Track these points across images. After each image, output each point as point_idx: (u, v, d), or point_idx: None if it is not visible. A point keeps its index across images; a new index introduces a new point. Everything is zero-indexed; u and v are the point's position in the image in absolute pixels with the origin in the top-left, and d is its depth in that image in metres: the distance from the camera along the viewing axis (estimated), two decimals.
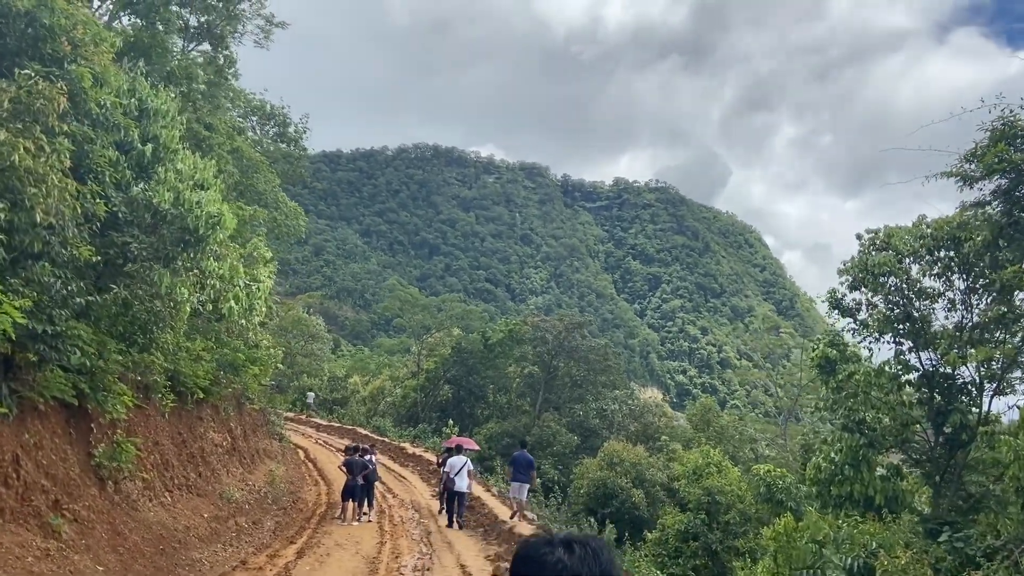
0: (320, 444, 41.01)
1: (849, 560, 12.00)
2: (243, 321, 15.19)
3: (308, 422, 51.39)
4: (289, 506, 21.94)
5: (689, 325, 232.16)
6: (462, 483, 18.95)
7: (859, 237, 17.75)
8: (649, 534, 25.29)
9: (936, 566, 12.36)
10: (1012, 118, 12.67)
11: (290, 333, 71.08)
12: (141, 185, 13.75)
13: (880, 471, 17.09)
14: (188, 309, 15.47)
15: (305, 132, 47.89)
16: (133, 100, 14.65)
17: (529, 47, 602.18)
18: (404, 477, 31.50)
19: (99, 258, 12.69)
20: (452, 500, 19.27)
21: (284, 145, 48.25)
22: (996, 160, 12.50)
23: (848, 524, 12.67)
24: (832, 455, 16.84)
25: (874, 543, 12.30)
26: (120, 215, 13.42)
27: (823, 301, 18.33)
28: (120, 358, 13.86)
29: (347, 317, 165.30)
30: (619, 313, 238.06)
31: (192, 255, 13.96)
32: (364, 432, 44.50)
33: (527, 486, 18.83)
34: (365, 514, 20.64)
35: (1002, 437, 12.52)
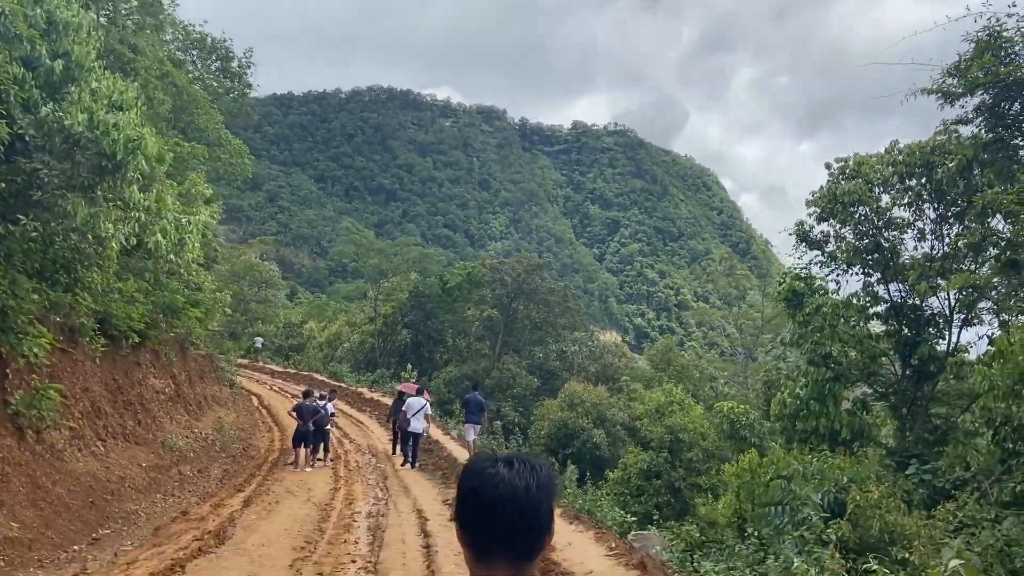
0: (275, 391, 39.99)
1: (820, 495, 11.56)
2: (172, 256, 13.94)
3: (263, 369, 50.22)
4: (239, 453, 21.03)
5: (647, 269, 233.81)
6: (417, 424, 18.87)
7: (828, 167, 17.11)
8: (611, 473, 25.01)
9: (905, 499, 12.02)
10: (999, 28, 11.92)
11: (242, 279, 69.29)
12: (51, 105, 12.33)
13: (846, 405, 16.79)
14: (115, 246, 14.18)
15: (250, 67, 45.58)
16: (39, 10, 13.07)
17: None
18: (361, 422, 30.74)
19: (3, 186, 11.37)
20: (407, 440, 19.27)
21: (228, 81, 45.91)
22: (981, 73, 11.78)
23: (819, 459, 12.24)
24: (798, 390, 16.45)
25: (845, 478, 11.88)
26: (28, 139, 12.06)
27: (791, 234, 17.76)
28: (37, 297, 12.64)
29: (304, 264, 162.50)
30: (578, 258, 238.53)
31: (111, 183, 12.63)
32: (320, 378, 43.53)
33: (479, 427, 19.01)
34: (320, 460, 20.02)
35: (976, 367, 12.10)
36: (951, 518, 11.16)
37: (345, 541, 11.64)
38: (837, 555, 10.41)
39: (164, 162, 20.22)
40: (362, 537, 12.01)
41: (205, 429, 21.13)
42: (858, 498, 10.99)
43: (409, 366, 43.11)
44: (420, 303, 47.55)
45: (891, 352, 16.85)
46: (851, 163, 16.47)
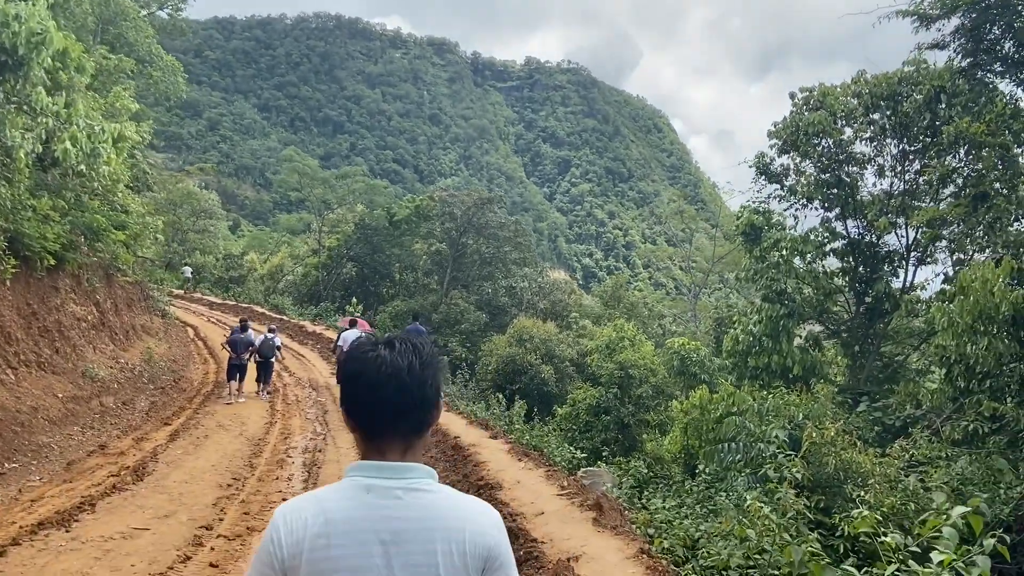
0: (213, 322, 38.60)
1: (776, 432, 11.21)
2: (84, 168, 12.59)
3: (201, 300, 48.49)
4: (169, 385, 19.96)
5: (597, 209, 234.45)
6: None
7: (792, 96, 16.44)
8: (559, 409, 24.68)
9: (857, 437, 11.77)
10: None
11: (180, 207, 66.65)
12: None
13: (798, 342, 16.55)
14: (23, 156, 12.78)
15: None
16: None
17: None
18: (303, 355, 29.78)
19: None
20: None
21: None
22: None
23: (774, 395, 11.88)
24: (751, 326, 16.11)
25: (800, 414, 11.55)
26: None
27: (750, 167, 17.15)
28: None
29: (247, 196, 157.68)
30: (528, 196, 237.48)
31: (13, 83, 11.20)
32: (260, 310, 42.25)
33: None
34: (258, 393, 19.46)
35: (934, 304, 11.79)
36: (906, 456, 10.94)
37: (277, 478, 10.89)
38: (791, 491, 10.11)
39: (84, 72, 18.54)
40: (296, 474, 11.28)
41: (132, 359, 19.95)
42: (814, 435, 10.64)
43: (354, 300, 42.05)
44: (366, 236, 46.16)
45: (846, 289, 16.59)
46: (816, 93, 15.84)
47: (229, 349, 18.83)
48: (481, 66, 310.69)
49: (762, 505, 9.91)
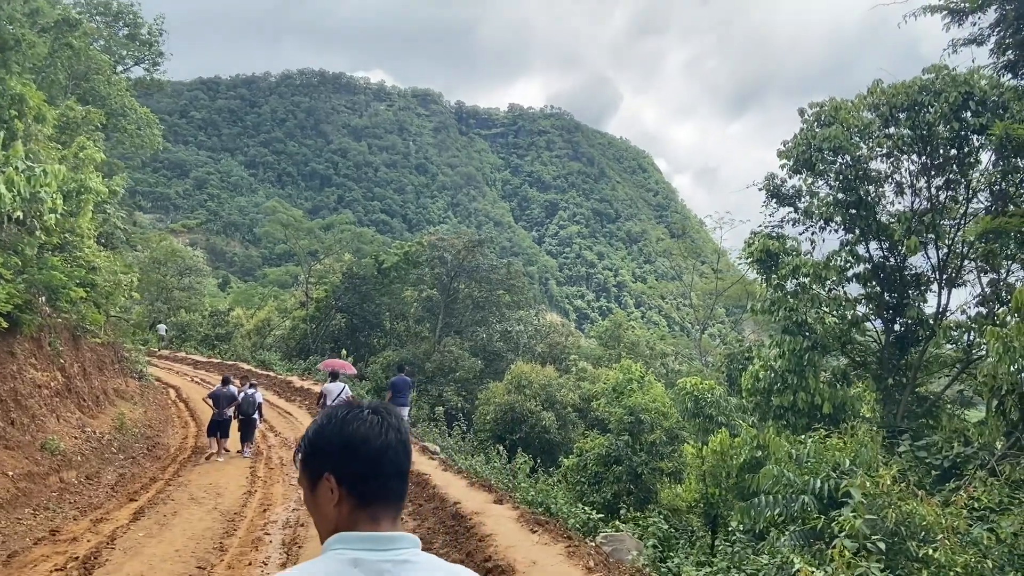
0: (197, 382, 37.00)
1: (818, 482, 9.81)
2: (19, 213, 11.28)
3: (185, 359, 46.93)
4: (142, 454, 18.37)
5: (586, 251, 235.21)
6: None
7: (802, 112, 15.36)
8: (565, 460, 23.04)
9: (912, 484, 10.36)
10: None
11: (164, 266, 65.39)
12: None
13: (824, 376, 15.21)
14: None
15: (161, 35, 42.19)
16: None
17: None
18: (289, 413, 28.21)
19: None
20: None
21: (137, 51, 42.38)
22: None
23: (814, 440, 10.50)
24: (772, 362, 14.77)
25: (847, 461, 10.15)
26: None
27: (760, 189, 15.99)
28: None
29: (235, 253, 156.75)
30: (517, 241, 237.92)
31: None
32: (247, 367, 40.68)
33: (406, 409, 18.80)
34: (240, 451, 18.85)
35: (987, 327, 10.51)
36: (975, 504, 9.55)
37: (251, 563, 9.36)
38: (847, 551, 8.70)
39: (46, 122, 17.37)
40: (273, 555, 9.76)
41: (102, 427, 18.37)
42: (868, 486, 9.25)
43: (344, 352, 40.58)
44: (355, 285, 44.84)
45: (872, 317, 15.33)
46: (827, 108, 14.78)
47: (211, 404, 18.33)
48: (465, 115, 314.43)
49: (812, 571, 8.52)
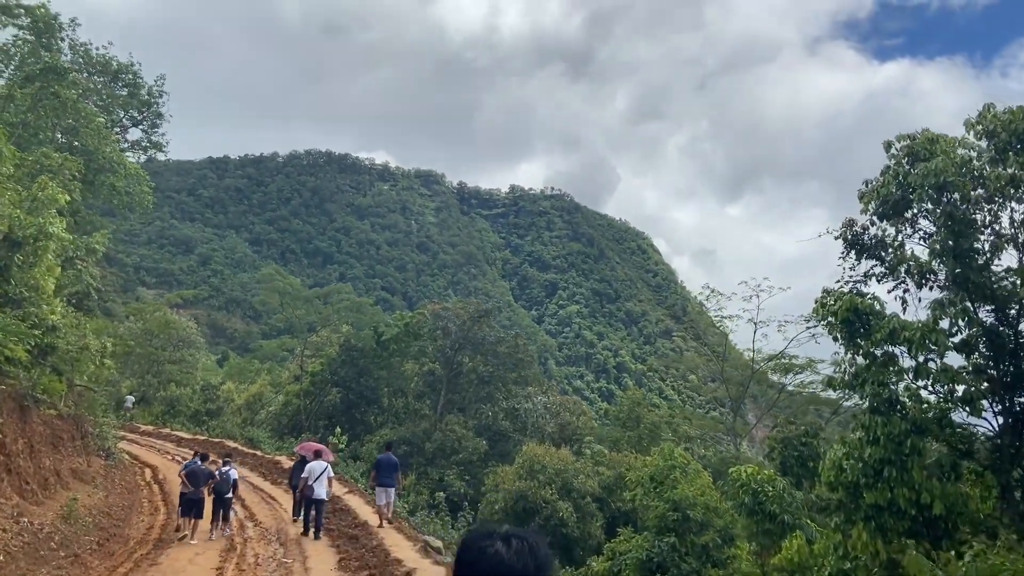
0: (178, 461, 33.76)
1: None
2: None
3: (169, 436, 43.70)
4: (91, 549, 15.32)
5: (586, 331, 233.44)
6: (321, 490, 17.79)
7: (888, 147, 13.01)
8: (595, 564, 19.64)
9: None
10: None
11: (156, 337, 62.69)
12: None
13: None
14: None
15: (162, 96, 40.84)
16: None
17: (424, 53, 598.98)
18: (274, 499, 25.01)
19: None
20: (310, 507, 18.11)
21: (136, 111, 40.99)
22: None
23: (978, 557, 7.71)
24: (859, 448, 11.98)
25: None
26: None
27: (836, 237, 13.52)
28: None
29: (236, 329, 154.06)
30: (517, 320, 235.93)
31: None
32: (233, 445, 37.45)
33: (393, 489, 18.40)
34: (211, 533, 17.63)
35: None
36: None
37: None
38: None
39: (2, 159, 15.13)
40: None
41: (44, 517, 15.34)
42: None
43: (338, 430, 37.46)
44: (352, 358, 42.00)
45: (988, 394, 12.54)
46: (920, 140, 12.44)
47: (185, 480, 17.19)
48: (467, 195, 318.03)
49: None
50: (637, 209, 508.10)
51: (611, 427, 41.58)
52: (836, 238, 13.42)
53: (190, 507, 17.10)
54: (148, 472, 28.71)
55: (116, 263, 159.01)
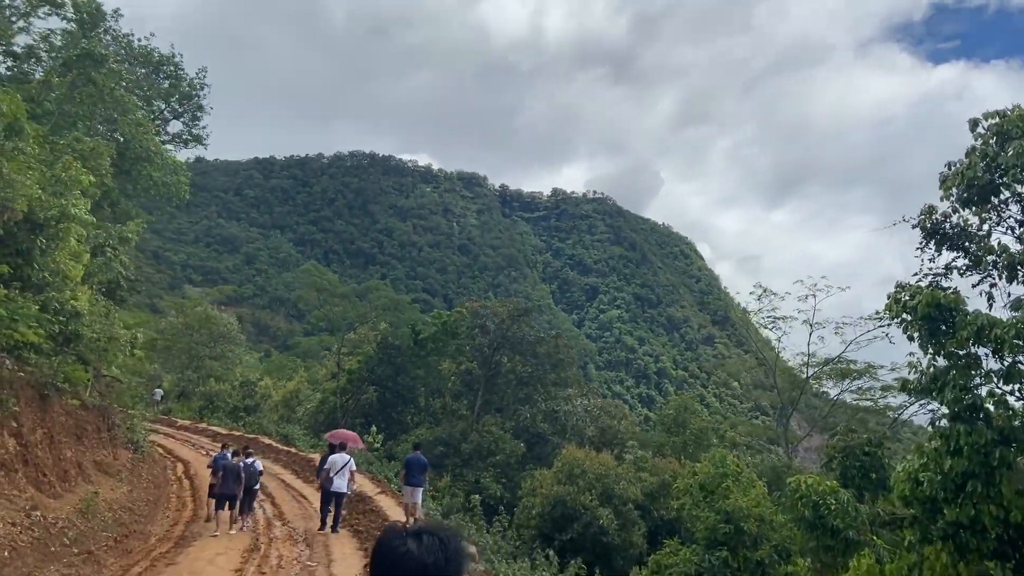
0: (211, 456, 33.38)
1: None
2: None
3: (205, 431, 43.52)
4: (107, 546, 14.61)
5: (626, 335, 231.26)
6: (341, 483, 17.83)
7: (974, 124, 11.62)
8: (638, 574, 18.42)
9: None
10: None
11: (196, 331, 62.99)
12: None
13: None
14: None
15: (203, 89, 40.68)
16: None
17: (468, 55, 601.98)
18: (304, 496, 24.26)
19: None
20: (328, 501, 18.15)
21: (177, 104, 40.96)
22: None
23: None
24: (944, 460, 10.62)
25: None
26: None
27: (914, 226, 12.13)
28: None
29: (279, 327, 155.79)
30: (557, 324, 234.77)
31: None
32: (267, 441, 37.01)
33: (421, 489, 18.42)
34: (239, 524, 17.76)
35: None
36: None
37: None
38: None
39: (24, 137, 14.55)
40: None
41: (59, 511, 14.67)
42: None
43: (374, 428, 36.74)
44: (389, 356, 41.28)
45: None
46: (1013, 116, 11.03)
47: (215, 474, 17.61)
48: (509, 198, 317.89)
49: None
50: (680, 214, 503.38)
51: (654, 432, 40.11)
52: (914, 227, 12.05)
53: (223, 500, 17.24)
54: (180, 467, 28.25)
55: (164, 260, 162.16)
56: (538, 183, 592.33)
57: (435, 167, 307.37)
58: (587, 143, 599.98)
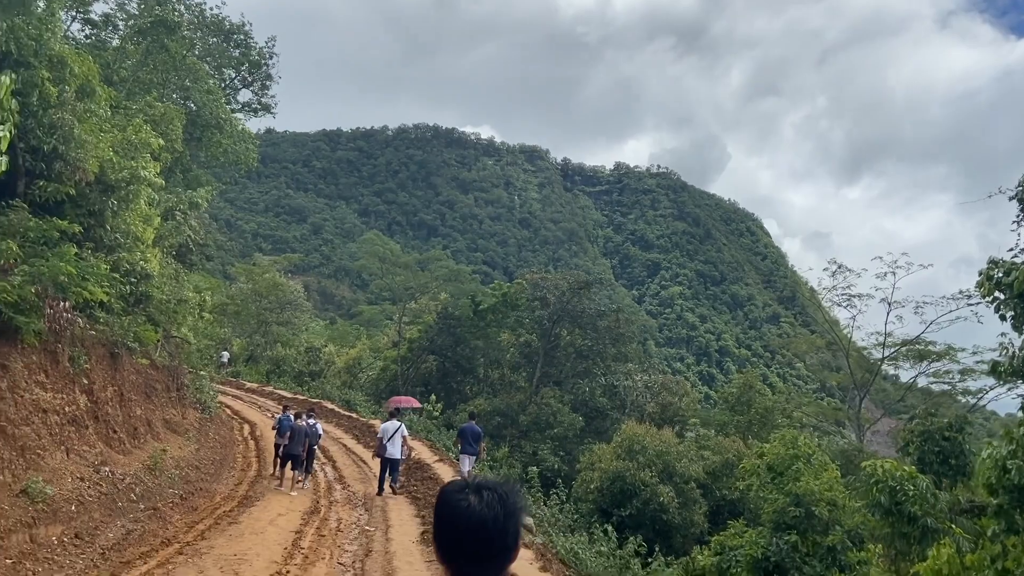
0: (275, 418, 34.17)
1: None
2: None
3: (271, 394, 44.60)
4: (173, 503, 14.95)
5: (688, 312, 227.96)
6: (394, 449, 18.46)
7: None
8: (699, 556, 17.94)
9: None
10: None
11: (264, 298, 64.43)
12: None
13: None
14: None
15: (272, 58, 41.06)
16: None
17: (534, 27, 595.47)
18: (364, 462, 24.54)
19: None
20: (384, 468, 18.79)
21: (247, 74, 41.49)
22: None
23: None
24: None
25: None
26: None
27: (1011, 198, 11.23)
28: None
29: (344, 296, 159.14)
30: (617, 299, 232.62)
31: None
32: (330, 406, 37.72)
33: (473, 458, 18.75)
34: (300, 483, 18.59)
35: None
36: None
37: None
38: None
39: (95, 98, 14.68)
40: None
41: (128, 467, 15.03)
42: None
43: (433, 397, 36.99)
44: (449, 326, 41.41)
45: None
46: None
47: (284, 436, 18.53)
48: (571, 171, 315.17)
49: None
50: (748, 189, 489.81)
51: (716, 410, 39.33)
52: (1011, 199, 11.17)
53: (286, 460, 18.32)
54: (246, 428, 28.94)
55: (236, 229, 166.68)
56: (601, 157, 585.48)
57: (497, 140, 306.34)
58: (652, 116, 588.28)
